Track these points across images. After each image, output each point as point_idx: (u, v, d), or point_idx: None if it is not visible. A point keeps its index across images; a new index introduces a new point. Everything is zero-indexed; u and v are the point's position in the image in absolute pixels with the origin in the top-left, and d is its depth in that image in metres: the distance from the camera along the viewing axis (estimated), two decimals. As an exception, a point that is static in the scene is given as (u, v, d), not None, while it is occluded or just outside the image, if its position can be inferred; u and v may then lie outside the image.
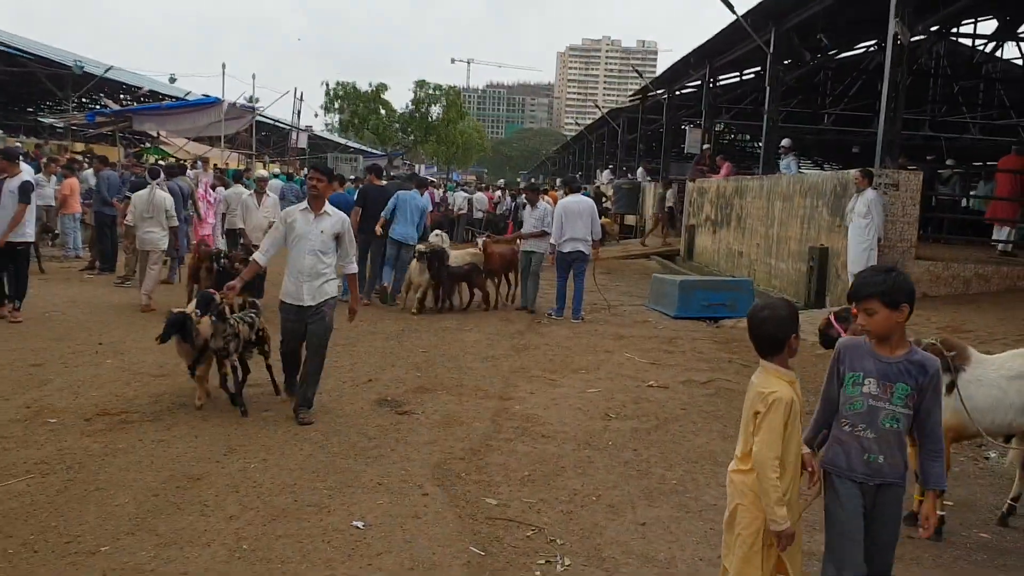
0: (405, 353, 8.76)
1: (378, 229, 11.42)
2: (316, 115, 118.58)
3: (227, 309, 6.44)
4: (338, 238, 6.29)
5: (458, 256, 11.94)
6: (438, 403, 6.82)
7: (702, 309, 11.57)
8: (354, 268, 6.54)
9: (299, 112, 39.98)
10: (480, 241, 12.33)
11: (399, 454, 5.50)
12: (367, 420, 6.26)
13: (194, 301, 6.48)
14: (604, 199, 27.99)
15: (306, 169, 39.13)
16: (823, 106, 27.03)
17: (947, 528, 4.59)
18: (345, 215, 6.53)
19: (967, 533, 4.59)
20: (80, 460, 5.07)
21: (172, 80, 37.80)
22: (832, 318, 4.81)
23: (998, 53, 23.49)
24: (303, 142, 40.24)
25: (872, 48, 24.96)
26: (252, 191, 11.90)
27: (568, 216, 11.06)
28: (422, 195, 13.22)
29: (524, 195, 14.44)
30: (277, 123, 42.80)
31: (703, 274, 17.75)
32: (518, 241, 12.60)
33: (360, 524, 4.34)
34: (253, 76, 63.87)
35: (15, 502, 4.41)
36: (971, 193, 17.21)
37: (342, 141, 69.31)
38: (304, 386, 6.36)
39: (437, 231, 12.83)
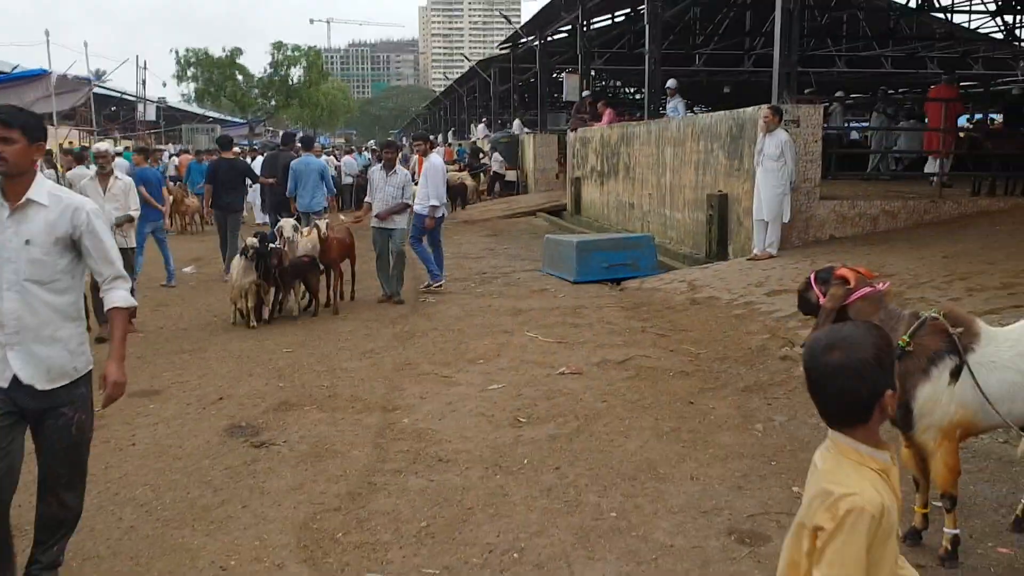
0: (266, 356, 7.30)
1: (292, 209, 10.85)
2: (164, 84, 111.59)
3: None
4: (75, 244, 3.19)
5: (303, 245, 9.06)
6: (306, 424, 5.46)
7: (603, 271, 10.55)
8: (121, 298, 3.27)
9: (144, 82, 36.45)
10: (322, 225, 9.18)
11: (253, 512, 4.14)
12: (214, 460, 4.86)
13: None
14: (481, 155, 26.70)
15: (170, 146, 36.28)
16: (695, 46, 26.53)
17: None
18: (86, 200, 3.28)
19: (983, 550, 3.66)
20: None
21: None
22: (812, 278, 3.75)
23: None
24: (152, 114, 36.88)
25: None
26: (94, 174, 8.48)
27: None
28: (318, 156, 12.57)
29: (378, 155, 11.68)
30: (124, 95, 39.13)
31: (593, 229, 16.82)
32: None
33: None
34: (85, 44, 58.66)
35: None
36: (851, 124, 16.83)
37: (199, 111, 65.21)
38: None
39: (286, 220, 9.10)
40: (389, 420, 5.49)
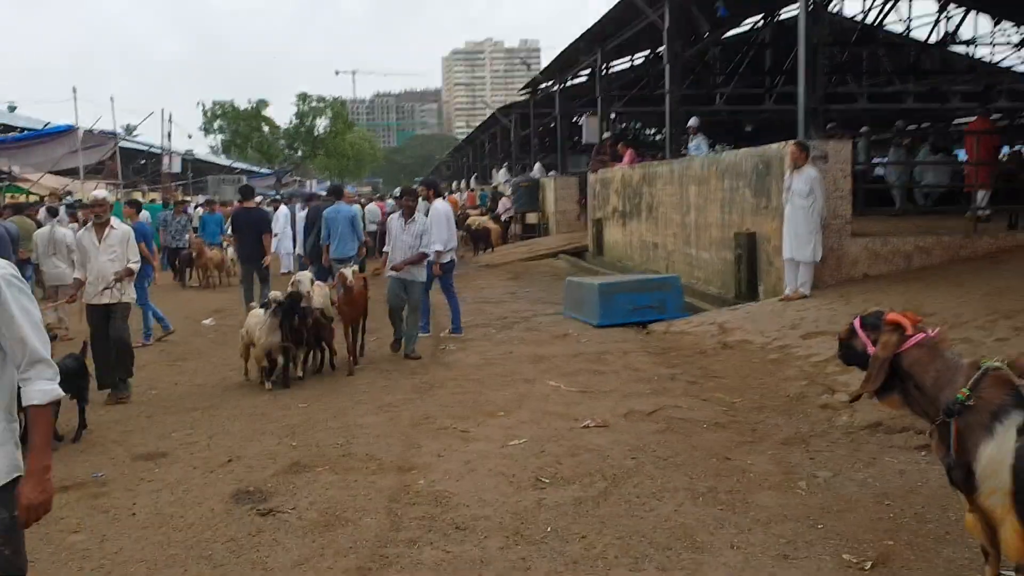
0: (279, 412, 7.02)
1: (325, 258, 11.25)
2: (190, 136, 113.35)
3: None
4: None
5: (318, 297, 8.63)
6: (316, 488, 5.15)
7: (628, 314, 10.21)
8: (39, 393, 2.52)
9: (169, 134, 37.05)
10: (347, 272, 8.62)
11: (254, 593, 3.83)
12: (217, 531, 4.55)
13: None
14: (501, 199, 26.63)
15: (198, 197, 36.71)
16: (715, 85, 26.39)
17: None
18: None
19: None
20: None
21: (12, 109, 34.27)
22: (857, 324, 3.40)
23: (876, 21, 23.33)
24: (177, 166, 37.31)
25: (759, 24, 24.49)
26: (89, 224, 7.87)
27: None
28: (349, 203, 12.93)
29: (398, 202, 10.82)
30: (151, 148, 39.70)
31: (616, 270, 16.52)
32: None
33: None
34: (111, 99, 59.85)
35: None
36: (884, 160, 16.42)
37: (226, 162, 66.16)
38: None
39: (302, 272, 8.91)
40: (404, 482, 5.16)
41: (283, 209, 18.72)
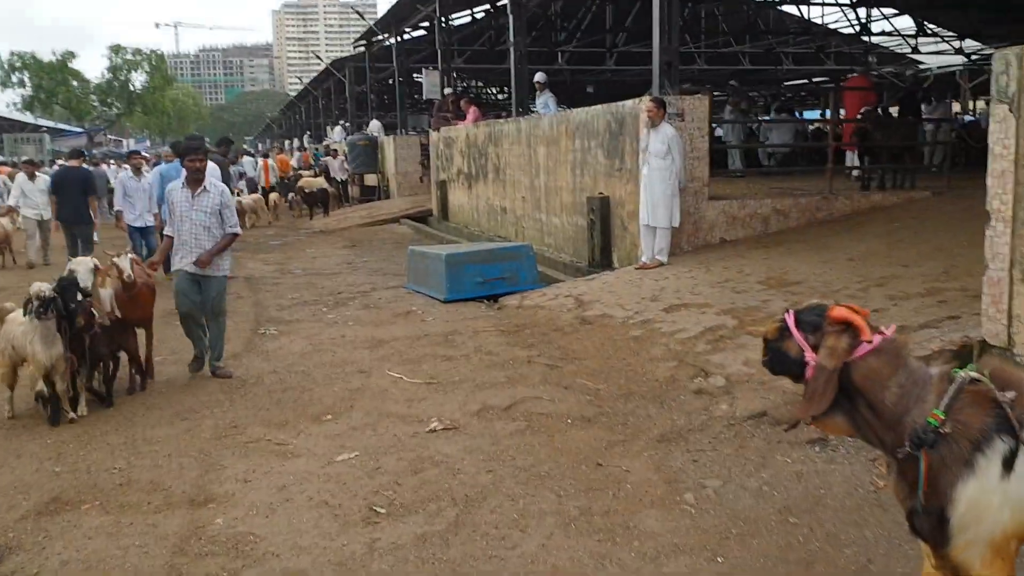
0: (44, 425, 5.55)
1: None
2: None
3: None
4: None
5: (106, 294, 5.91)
6: (76, 537, 3.88)
7: (477, 287, 9.26)
8: None
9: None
10: (123, 262, 5.96)
11: None
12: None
13: None
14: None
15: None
16: (557, 43, 25.76)
17: None
18: None
19: None
20: None
21: None
22: (791, 321, 2.52)
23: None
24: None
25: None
26: None
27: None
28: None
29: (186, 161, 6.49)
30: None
31: (463, 236, 15.57)
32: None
33: None
34: None
35: None
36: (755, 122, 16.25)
37: (29, 120, 59.87)
38: None
39: (79, 259, 6.03)
40: (197, 521, 3.98)
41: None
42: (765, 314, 6.57)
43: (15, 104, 64.27)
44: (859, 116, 11.33)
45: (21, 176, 13.44)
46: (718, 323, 6.55)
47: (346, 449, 4.81)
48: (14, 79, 61.89)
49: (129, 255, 6.20)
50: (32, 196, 12.85)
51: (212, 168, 7.82)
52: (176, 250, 6.38)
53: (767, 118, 16.37)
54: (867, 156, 11.62)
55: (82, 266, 5.76)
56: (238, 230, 6.54)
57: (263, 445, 4.94)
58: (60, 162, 17.21)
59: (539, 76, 13.66)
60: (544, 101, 13.53)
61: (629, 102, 9.69)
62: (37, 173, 13.36)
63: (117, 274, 5.92)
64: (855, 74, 14.09)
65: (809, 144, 15.16)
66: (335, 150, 25.89)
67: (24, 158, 18.39)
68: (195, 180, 6.32)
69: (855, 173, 11.81)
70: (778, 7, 24.80)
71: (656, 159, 8.67)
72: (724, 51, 26.93)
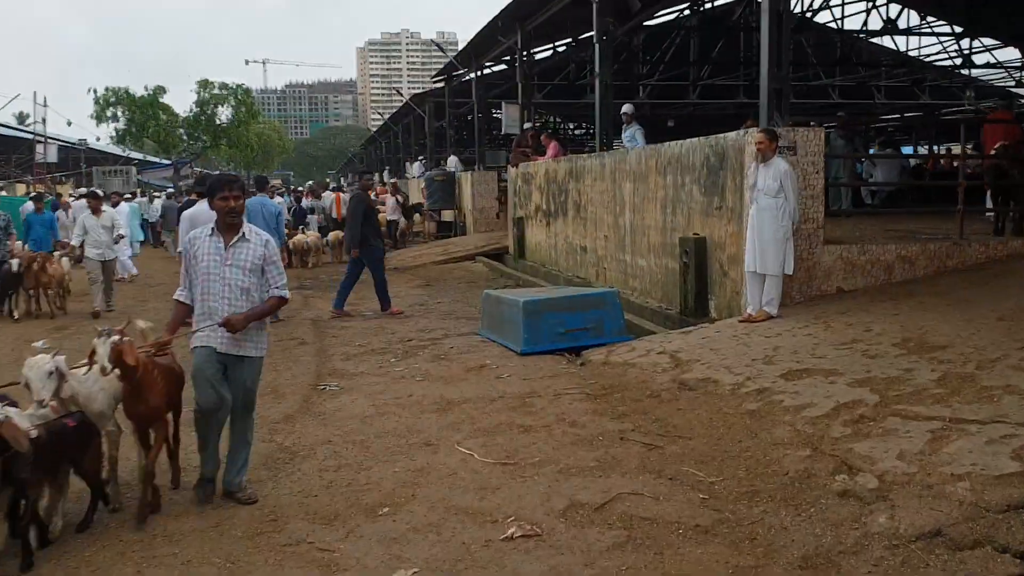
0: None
1: None
2: (69, 124, 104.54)
3: None
4: None
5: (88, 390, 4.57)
6: None
7: (557, 338, 8.30)
8: None
9: (44, 120, 33.28)
10: (119, 342, 4.30)
11: None
12: None
13: None
14: (403, 197, 24.39)
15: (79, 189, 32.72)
16: (639, 76, 24.85)
17: None
18: None
19: None
20: None
21: None
22: None
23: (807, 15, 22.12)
24: (52, 155, 33.69)
25: (684, 13, 22.98)
26: None
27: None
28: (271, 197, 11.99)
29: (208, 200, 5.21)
30: (20, 132, 35.87)
31: (540, 275, 14.67)
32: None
33: None
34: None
35: None
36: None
37: (120, 152, 62.00)
38: None
39: (32, 358, 4.41)
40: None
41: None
42: (912, 388, 5.43)
43: (111, 137, 66.81)
44: (993, 152, 9.98)
45: (84, 212, 12.46)
46: (854, 398, 5.42)
47: (403, 562, 3.87)
48: (108, 114, 64.36)
49: (140, 325, 5.04)
50: (95, 234, 11.67)
51: (276, 207, 7.09)
52: (198, 320, 4.72)
53: (873, 151, 14.96)
54: (1001, 196, 10.26)
55: (36, 367, 4.28)
56: (286, 293, 4.85)
57: (303, 551, 4.04)
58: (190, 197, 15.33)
59: (627, 107, 12.76)
60: (631, 134, 12.60)
61: (732, 134, 8.68)
62: (104, 207, 12.19)
63: (116, 355, 4.26)
64: (997, 108, 12.70)
65: (935, 183, 13.79)
66: (393, 184, 25.03)
67: (88, 190, 17.69)
68: (230, 225, 4.73)
69: (988, 215, 10.44)
70: (869, 39, 23.46)
71: (766, 197, 7.61)
72: (813, 84, 25.57)
